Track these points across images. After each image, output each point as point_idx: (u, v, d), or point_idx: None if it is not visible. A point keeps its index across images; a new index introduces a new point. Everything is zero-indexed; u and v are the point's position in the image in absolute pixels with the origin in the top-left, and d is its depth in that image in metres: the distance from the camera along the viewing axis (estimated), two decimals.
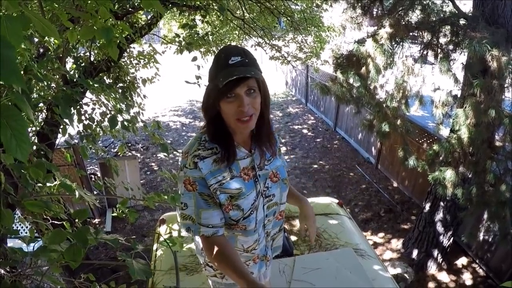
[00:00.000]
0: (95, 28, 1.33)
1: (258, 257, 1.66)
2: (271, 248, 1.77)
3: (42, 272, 1.22)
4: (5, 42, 0.59)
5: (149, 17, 4.35)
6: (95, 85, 2.40)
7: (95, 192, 5.84)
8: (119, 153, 8.10)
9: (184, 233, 1.46)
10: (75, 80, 2.57)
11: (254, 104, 1.31)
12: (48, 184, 1.58)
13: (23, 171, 1.48)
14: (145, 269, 1.03)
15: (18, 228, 4.35)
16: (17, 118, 0.69)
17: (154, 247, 2.77)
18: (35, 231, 1.86)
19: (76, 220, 1.94)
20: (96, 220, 6.14)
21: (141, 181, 7.09)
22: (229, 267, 1.35)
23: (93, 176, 7.08)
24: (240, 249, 1.59)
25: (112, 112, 2.53)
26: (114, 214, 2.11)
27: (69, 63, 3.78)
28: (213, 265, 1.64)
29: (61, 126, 2.60)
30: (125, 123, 2.42)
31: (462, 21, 3.66)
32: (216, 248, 1.39)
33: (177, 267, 1.15)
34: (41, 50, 3.02)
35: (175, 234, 2.32)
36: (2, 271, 1.31)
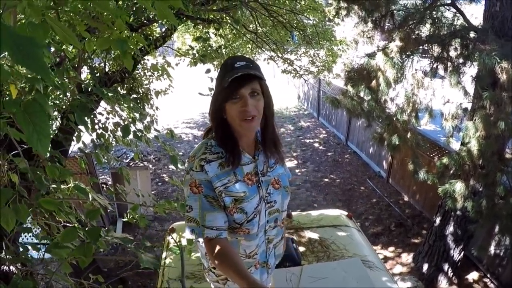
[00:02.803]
0: (111, 39, 1.39)
1: (258, 262, 1.68)
2: (274, 256, 1.79)
3: (52, 270, 1.26)
4: (34, 42, 0.65)
5: (163, 29, 4.45)
6: (110, 95, 2.47)
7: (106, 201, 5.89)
8: (132, 164, 8.21)
9: (188, 235, 1.48)
10: (89, 89, 2.64)
11: (257, 106, 1.39)
12: (62, 187, 1.63)
13: (38, 172, 1.54)
14: (153, 261, 1.07)
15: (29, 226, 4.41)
16: (39, 114, 0.74)
17: (163, 256, 2.80)
18: (46, 233, 1.90)
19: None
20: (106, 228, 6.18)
21: (152, 192, 7.15)
22: (231, 268, 1.37)
23: (104, 185, 7.16)
24: (242, 255, 1.60)
25: (126, 122, 2.60)
26: (125, 219, 2.15)
27: (84, 73, 3.88)
28: (215, 267, 1.66)
29: (76, 134, 2.67)
30: (138, 133, 2.48)
31: (472, 34, 3.68)
32: (218, 250, 1.42)
33: (183, 260, 1.18)
34: (58, 60, 3.11)
35: (184, 242, 2.35)
36: (13, 269, 1.35)
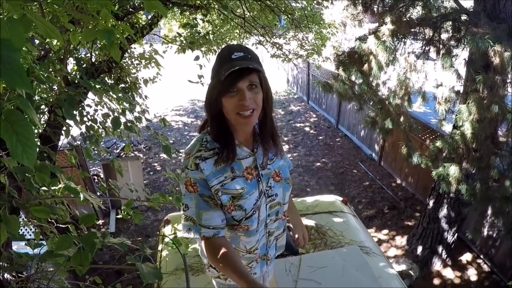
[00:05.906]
0: (97, 30, 1.32)
1: (259, 256, 1.65)
2: (275, 248, 1.77)
3: (48, 276, 1.22)
4: (8, 45, 0.58)
5: (149, 17, 4.35)
6: (97, 86, 2.39)
7: (98, 194, 5.84)
8: (122, 154, 8.12)
9: (185, 234, 1.45)
10: (76, 81, 2.56)
11: (255, 99, 1.32)
12: (52, 187, 1.57)
13: (27, 174, 1.48)
14: (155, 273, 1.02)
15: (23, 232, 4.36)
16: (22, 123, 0.68)
17: (159, 248, 2.77)
18: (40, 234, 1.85)
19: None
20: (100, 221, 6.15)
21: (144, 181, 7.09)
22: (230, 268, 1.33)
23: (96, 177, 7.08)
24: (243, 250, 1.57)
25: (115, 113, 2.53)
26: (120, 216, 2.10)
27: (70, 65, 3.77)
28: (213, 265, 1.63)
29: (64, 128, 2.60)
30: (128, 123, 2.42)
31: (463, 17, 3.64)
32: (216, 249, 1.38)
33: (187, 268, 1.14)
34: (43, 52, 3.02)
35: (180, 234, 2.31)
36: (9, 276, 1.31)
